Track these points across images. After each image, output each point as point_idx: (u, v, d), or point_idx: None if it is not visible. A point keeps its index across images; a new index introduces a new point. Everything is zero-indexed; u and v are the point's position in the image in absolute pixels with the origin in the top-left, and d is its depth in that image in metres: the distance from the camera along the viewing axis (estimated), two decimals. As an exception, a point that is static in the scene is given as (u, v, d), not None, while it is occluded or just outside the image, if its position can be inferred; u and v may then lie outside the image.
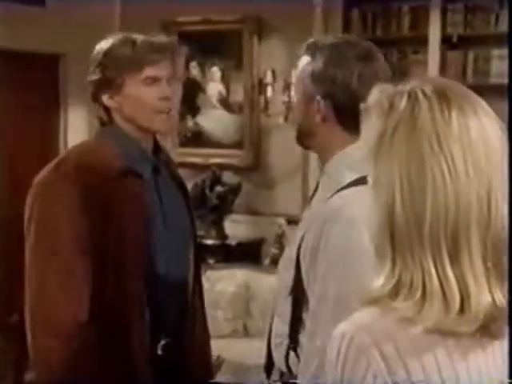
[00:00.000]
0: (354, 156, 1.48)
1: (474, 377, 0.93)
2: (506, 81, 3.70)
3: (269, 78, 4.52)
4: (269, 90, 4.53)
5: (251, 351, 4.34)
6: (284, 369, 1.55)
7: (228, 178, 4.74)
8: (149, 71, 1.77)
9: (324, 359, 1.37)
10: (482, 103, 0.96)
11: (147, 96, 1.77)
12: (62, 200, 1.70)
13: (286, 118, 4.52)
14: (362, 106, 1.02)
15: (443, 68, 4.09)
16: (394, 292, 0.93)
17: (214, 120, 4.91)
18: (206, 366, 2.04)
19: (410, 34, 4.19)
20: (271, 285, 4.15)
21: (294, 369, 1.53)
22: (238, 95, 4.76)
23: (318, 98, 1.52)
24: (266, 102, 4.57)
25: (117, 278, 1.71)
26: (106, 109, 1.82)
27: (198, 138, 4.96)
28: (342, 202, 1.47)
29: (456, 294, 0.91)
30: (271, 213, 4.67)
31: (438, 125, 0.92)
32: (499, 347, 0.94)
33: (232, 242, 4.67)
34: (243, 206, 4.76)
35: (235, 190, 4.70)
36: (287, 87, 4.47)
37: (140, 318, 1.74)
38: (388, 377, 0.90)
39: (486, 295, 0.91)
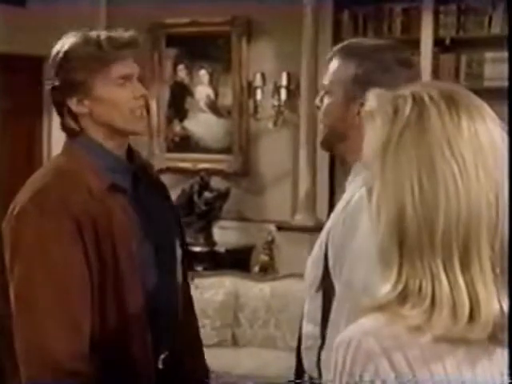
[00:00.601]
0: None
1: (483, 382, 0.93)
2: (499, 84, 3.66)
3: (258, 81, 4.48)
4: (258, 93, 4.50)
5: (239, 361, 4.32)
6: (315, 374, 1.54)
7: (216, 183, 4.69)
8: (118, 69, 1.67)
9: None
10: (486, 107, 0.97)
11: (121, 96, 1.67)
12: (50, 233, 1.59)
13: (275, 123, 4.49)
14: (363, 110, 1.02)
15: (436, 71, 4.06)
16: (401, 299, 0.93)
17: (202, 124, 4.85)
18: (204, 375, 1.99)
19: (401, 36, 4.15)
20: (260, 292, 4.12)
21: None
22: (227, 99, 4.71)
23: (362, 101, 1.52)
24: (255, 106, 4.54)
25: (116, 302, 1.63)
26: (74, 116, 1.70)
27: (185, 143, 4.91)
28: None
29: (466, 301, 0.90)
30: (261, 219, 4.62)
31: (448, 129, 0.93)
32: (505, 355, 0.94)
33: (220, 248, 4.62)
34: (232, 212, 4.71)
35: (224, 195, 4.65)
36: (277, 90, 4.44)
37: (143, 337, 1.68)
38: (395, 382, 0.90)
39: (495, 303, 0.91)
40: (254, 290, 4.02)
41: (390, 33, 4.18)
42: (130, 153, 1.79)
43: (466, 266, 0.91)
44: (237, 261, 4.56)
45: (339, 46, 1.61)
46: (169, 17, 4.77)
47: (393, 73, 1.53)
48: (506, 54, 3.92)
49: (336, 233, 1.49)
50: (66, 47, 1.68)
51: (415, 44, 4.03)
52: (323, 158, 4.27)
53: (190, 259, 1.94)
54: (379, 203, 0.95)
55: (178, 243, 1.87)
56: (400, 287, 0.92)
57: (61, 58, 1.67)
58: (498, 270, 0.92)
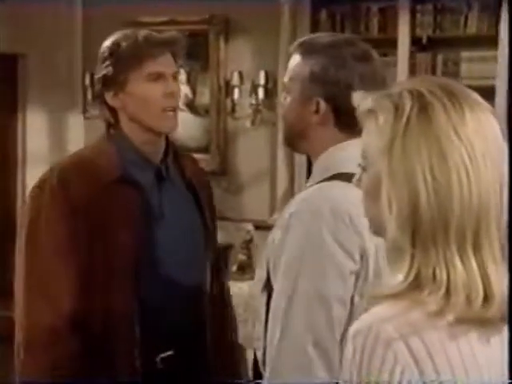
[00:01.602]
0: (342, 154, 1.52)
1: (494, 362, 0.97)
2: (474, 83, 3.73)
3: (236, 80, 4.49)
4: (236, 92, 4.51)
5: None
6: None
7: (194, 182, 4.70)
8: (150, 66, 1.73)
9: (277, 355, 1.39)
10: (481, 99, 1.02)
11: (151, 93, 1.73)
12: (46, 215, 1.68)
13: (253, 122, 4.52)
14: (361, 111, 1.06)
15: (412, 70, 4.12)
16: (415, 286, 0.96)
17: (179, 123, 4.86)
18: (232, 372, 2.00)
19: (379, 35, 4.20)
20: (239, 291, 4.15)
21: None
22: (205, 98, 4.73)
23: (318, 99, 1.52)
24: (233, 105, 4.55)
25: (104, 291, 1.67)
26: (112, 110, 1.78)
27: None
28: (307, 195, 1.49)
29: (480, 284, 0.95)
30: (239, 218, 4.65)
31: (453, 120, 0.97)
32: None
33: (198, 248, 4.63)
34: (210, 211, 4.72)
35: (201, 194, 4.66)
36: (254, 89, 4.47)
37: (128, 332, 1.69)
38: (416, 371, 0.93)
39: (504, 281, 0.96)
40: (232, 290, 4.04)
41: (367, 32, 4.22)
42: (167, 151, 1.83)
43: (477, 250, 0.95)
44: (215, 260, 4.58)
45: (297, 42, 1.59)
46: (146, 15, 4.77)
47: (348, 68, 1.51)
48: (481, 54, 4.01)
49: (276, 236, 1.49)
50: (107, 43, 1.78)
51: (392, 43, 4.09)
52: (301, 157, 4.28)
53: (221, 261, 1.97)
54: (390, 197, 0.98)
55: (203, 244, 1.87)
56: (412, 276, 0.96)
57: (102, 53, 1.77)
58: (505, 251, 0.97)
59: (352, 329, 0.98)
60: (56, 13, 4.63)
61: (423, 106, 0.98)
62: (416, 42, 4.11)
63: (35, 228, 1.68)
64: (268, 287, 1.49)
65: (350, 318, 1.42)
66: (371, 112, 1.03)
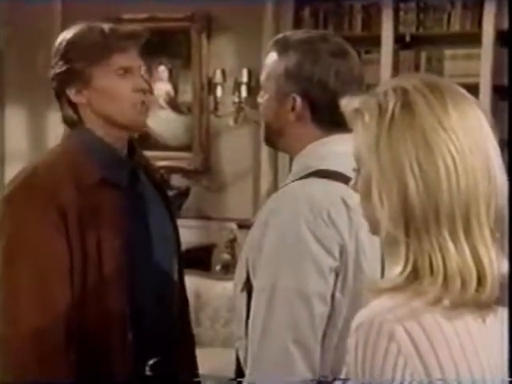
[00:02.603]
0: (321, 150, 1.53)
1: (491, 343, 1.01)
2: (458, 80, 3.75)
3: (218, 78, 4.48)
4: (218, 90, 4.49)
5: (200, 361, 4.28)
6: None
7: (176, 181, 4.70)
8: (119, 60, 1.66)
9: (258, 354, 1.40)
10: (466, 93, 1.06)
11: (120, 88, 1.66)
12: (35, 220, 1.60)
13: (236, 120, 4.52)
14: (348, 112, 1.09)
15: (396, 68, 4.15)
16: (413, 278, 0.99)
17: (161, 121, 4.86)
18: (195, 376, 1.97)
19: (362, 33, 4.23)
20: (223, 291, 4.15)
21: None
22: (187, 95, 4.74)
23: (294, 95, 1.52)
24: (216, 103, 4.54)
25: (97, 298, 1.63)
26: (74, 106, 1.70)
27: (144, 141, 4.90)
28: (286, 192, 1.50)
29: (473, 268, 0.99)
30: (222, 217, 4.66)
31: (436, 112, 1.01)
32: (505, 313, 1.03)
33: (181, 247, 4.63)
34: (192, 210, 4.73)
35: (184, 193, 4.67)
36: (237, 87, 4.47)
37: (122, 338, 1.66)
38: (418, 361, 0.96)
39: (495, 264, 0.99)
40: (216, 289, 4.06)
41: (350, 29, 4.25)
42: (132, 149, 1.78)
43: (468, 235, 1.00)
44: (198, 260, 4.58)
45: (274, 39, 1.59)
46: (126, 12, 4.76)
47: (324, 64, 1.51)
48: (465, 51, 4.05)
49: (254, 234, 1.48)
50: (68, 36, 1.68)
51: (376, 40, 4.12)
52: (284, 155, 4.29)
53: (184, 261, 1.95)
54: (380, 192, 1.02)
55: (173, 245, 1.86)
56: (410, 267, 1.00)
57: (63, 47, 1.68)
58: (497, 235, 1.01)
59: (354, 323, 1.00)
60: (35, 9, 4.60)
61: (406, 102, 1.02)
62: (399, 40, 4.14)
63: (21, 236, 1.61)
64: (248, 286, 1.49)
65: (331, 316, 1.43)
66: (357, 112, 1.06)
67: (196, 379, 1.95)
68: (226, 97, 4.51)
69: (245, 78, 4.44)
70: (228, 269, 4.27)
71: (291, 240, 1.41)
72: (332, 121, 1.51)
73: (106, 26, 1.69)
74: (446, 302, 0.97)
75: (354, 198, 1.44)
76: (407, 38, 4.13)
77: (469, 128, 1.01)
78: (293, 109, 1.53)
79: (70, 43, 1.67)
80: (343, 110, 1.10)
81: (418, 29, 4.13)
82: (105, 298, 1.64)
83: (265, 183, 4.48)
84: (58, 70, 1.68)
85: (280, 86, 1.53)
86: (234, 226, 4.50)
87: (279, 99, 1.54)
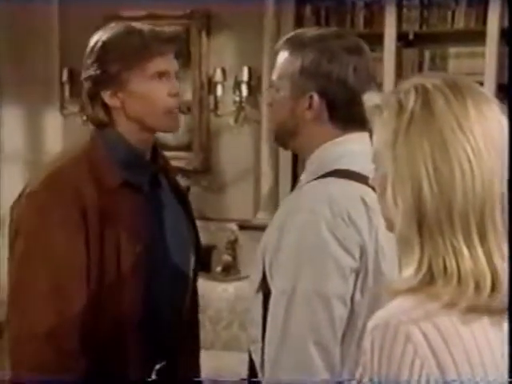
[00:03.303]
0: (338, 150, 1.52)
1: (504, 349, 1.01)
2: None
3: (218, 77, 4.47)
4: (219, 88, 4.48)
5: (202, 363, 4.26)
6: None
7: (176, 181, 4.68)
8: (158, 64, 1.65)
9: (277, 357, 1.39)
10: (486, 92, 1.07)
11: (156, 92, 1.65)
12: (55, 219, 1.59)
13: (236, 119, 4.51)
14: (368, 106, 1.09)
15: (399, 66, 4.13)
16: (428, 279, 1.00)
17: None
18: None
19: (364, 30, 4.20)
20: (224, 293, 4.14)
21: None
22: (186, 95, 4.70)
23: (312, 94, 1.51)
24: (216, 102, 4.53)
25: (113, 299, 1.63)
26: (106, 108, 1.68)
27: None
28: (303, 193, 1.49)
29: (487, 273, 0.99)
30: (222, 218, 4.63)
31: (455, 111, 1.01)
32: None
33: (181, 249, 4.61)
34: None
35: (184, 194, 4.65)
36: (238, 86, 4.46)
37: (135, 341, 1.66)
38: (434, 364, 0.96)
39: (506, 270, 0.99)
40: (217, 291, 4.05)
41: (352, 27, 4.21)
42: (155, 152, 1.78)
43: (483, 240, 0.99)
44: (198, 261, 4.57)
45: (284, 38, 1.58)
46: (124, 9, 4.74)
47: (341, 61, 1.50)
48: (469, 49, 4.03)
49: (271, 236, 1.47)
50: (105, 37, 1.65)
51: (378, 38, 4.09)
52: (286, 154, 4.29)
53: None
54: (395, 192, 1.02)
55: (192, 249, 1.85)
56: (424, 268, 1.00)
57: (99, 48, 1.65)
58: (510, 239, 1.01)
59: (370, 324, 1.01)
60: (32, 7, 4.58)
61: (426, 100, 1.02)
62: (402, 38, 4.12)
63: (41, 235, 1.60)
64: (263, 288, 1.48)
65: (351, 317, 1.43)
66: (377, 108, 1.07)
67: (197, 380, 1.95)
68: (226, 96, 4.50)
69: (245, 77, 4.42)
70: (229, 270, 4.25)
71: (311, 241, 1.40)
72: (349, 119, 1.51)
73: (145, 29, 1.67)
74: (462, 305, 0.98)
75: (373, 198, 1.45)
76: (410, 36, 4.10)
77: (487, 129, 1.01)
78: (309, 107, 1.52)
79: (107, 45, 1.65)
80: (365, 105, 1.11)
81: (421, 26, 4.10)
82: (120, 300, 1.63)
83: (266, 183, 4.46)
84: (92, 72, 1.66)
85: (295, 84, 1.52)
86: (234, 226, 4.49)
87: (295, 98, 1.53)
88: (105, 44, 1.65)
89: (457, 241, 0.99)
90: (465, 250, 0.98)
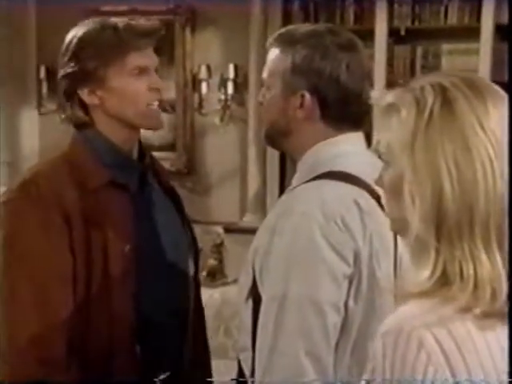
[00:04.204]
0: (332, 150, 1.50)
1: None
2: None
3: (203, 74, 4.42)
4: (203, 86, 4.44)
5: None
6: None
7: (159, 183, 4.62)
8: (135, 59, 1.64)
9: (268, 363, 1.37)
10: (500, 90, 1.05)
11: (135, 87, 1.64)
12: (34, 223, 1.57)
13: (222, 118, 4.45)
14: (381, 106, 1.08)
15: (390, 63, 4.09)
16: (443, 283, 0.99)
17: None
18: None
19: (355, 26, 4.14)
20: (210, 299, 4.07)
21: None
22: (170, 92, 4.62)
23: (303, 92, 1.49)
24: (201, 100, 4.49)
25: (102, 305, 1.60)
26: (84, 107, 1.67)
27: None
28: (295, 196, 1.46)
29: (504, 279, 0.98)
30: (207, 221, 4.56)
31: (476, 110, 1.00)
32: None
33: (164, 253, 4.55)
34: (176, 213, 4.65)
35: (167, 196, 4.59)
36: (223, 83, 4.41)
37: (129, 351, 1.63)
38: (447, 370, 0.96)
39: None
40: (202, 297, 3.97)
41: (342, 23, 4.16)
42: (141, 152, 1.76)
43: (501, 245, 0.98)
44: (182, 266, 4.51)
45: (275, 34, 1.56)
46: (105, 3, 4.67)
47: (334, 58, 1.48)
48: (462, 46, 3.99)
49: (261, 239, 1.45)
50: (80, 33, 1.64)
51: (369, 35, 4.03)
52: (273, 155, 4.25)
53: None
54: (412, 192, 1.00)
55: (186, 251, 1.82)
56: (438, 272, 0.99)
57: (74, 45, 1.64)
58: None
59: (381, 329, 1.00)
60: (8, 4, 4.50)
61: (446, 99, 1.01)
62: (394, 34, 4.07)
63: (21, 242, 1.58)
64: (253, 293, 1.45)
65: (344, 324, 1.41)
66: (392, 106, 1.05)
67: None
68: (211, 94, 4.44)
69: (231, 74, 4.39)
70: (214, 275, 4.17)
71: (303, 246, 1.38)
72: (342, 118, 1.50)
73: (120, 23, 1.65)
74: (477, 310, 0.97)
75: (367, 201, 1.42)
76: (402, 32, 4.05)
77: (506, 129, 1.00)
78: (301, 106, 1.50)
79: (82, 41, 1.64)
80: (375, 104, 1.08)
81: (413, 22, 4.05)
82: (110, 307, 1.61)
83: (252, 185, 4.42)
84: (68, 70, 1.64)
85: (287, 82, 1.50)
86: (220, 229, 4.43)
87: (286, 96, 1.51)
88: (80, 40, 1.64)
89: (475, 245, 0.98)
90: (483, 255, 0.98)
